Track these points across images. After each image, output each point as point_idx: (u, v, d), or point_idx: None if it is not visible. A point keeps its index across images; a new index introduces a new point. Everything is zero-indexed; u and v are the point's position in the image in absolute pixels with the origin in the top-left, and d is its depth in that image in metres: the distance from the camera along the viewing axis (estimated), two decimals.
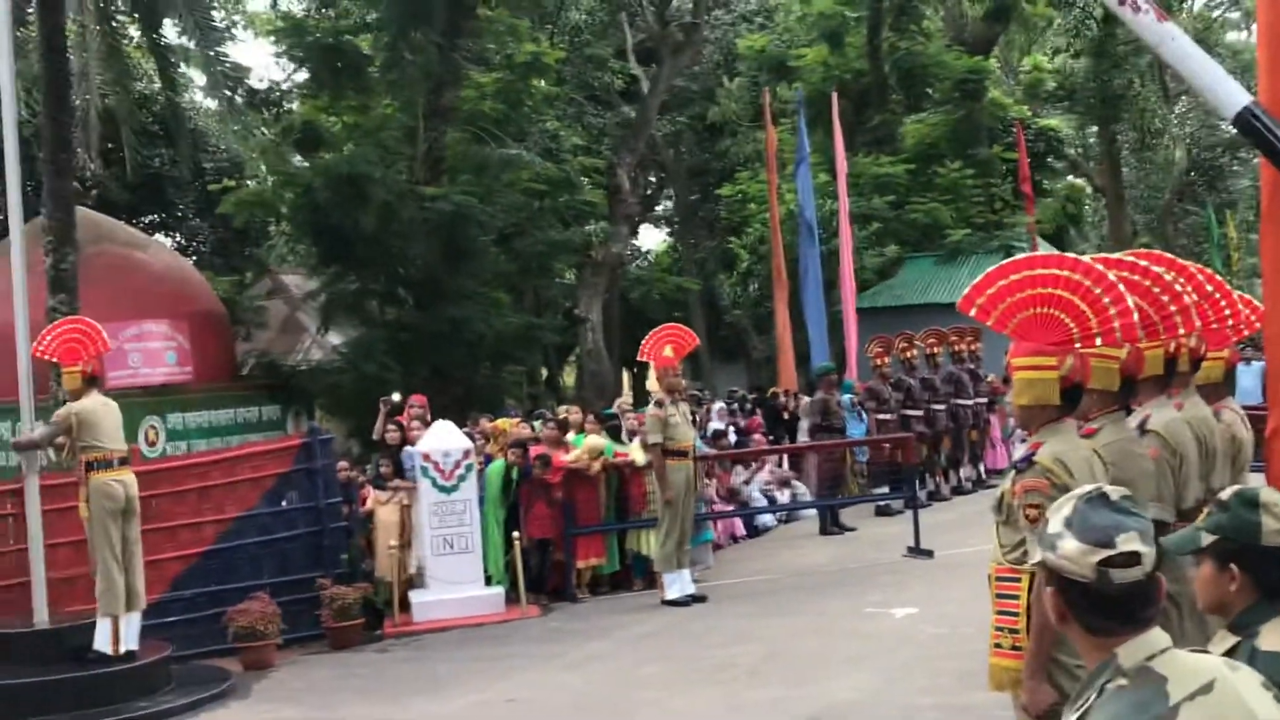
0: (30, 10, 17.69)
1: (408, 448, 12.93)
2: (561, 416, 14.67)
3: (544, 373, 34.44)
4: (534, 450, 13.02)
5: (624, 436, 13.92)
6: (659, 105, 29.89)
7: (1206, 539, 2.98)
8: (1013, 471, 4.65)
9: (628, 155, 27.85)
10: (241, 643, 10.92)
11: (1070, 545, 2.41)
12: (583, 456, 12.92)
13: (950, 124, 30.76)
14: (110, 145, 21.51)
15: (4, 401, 16.39)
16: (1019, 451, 4.71)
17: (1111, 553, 2.37)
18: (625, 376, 37.96)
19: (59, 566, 10.82)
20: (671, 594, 11.96)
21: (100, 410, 10.00)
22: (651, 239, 47.96)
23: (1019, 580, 4.64)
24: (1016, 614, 4.62)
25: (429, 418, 13.67)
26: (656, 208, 42.95)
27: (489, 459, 13.29)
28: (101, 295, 17.02)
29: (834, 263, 22.67)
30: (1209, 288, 5.57)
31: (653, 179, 40.63)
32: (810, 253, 21.82)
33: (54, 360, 10.56)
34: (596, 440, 13.23)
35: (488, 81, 22.21)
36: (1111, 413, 5.11)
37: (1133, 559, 2.37)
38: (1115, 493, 2.49)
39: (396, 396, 14.48)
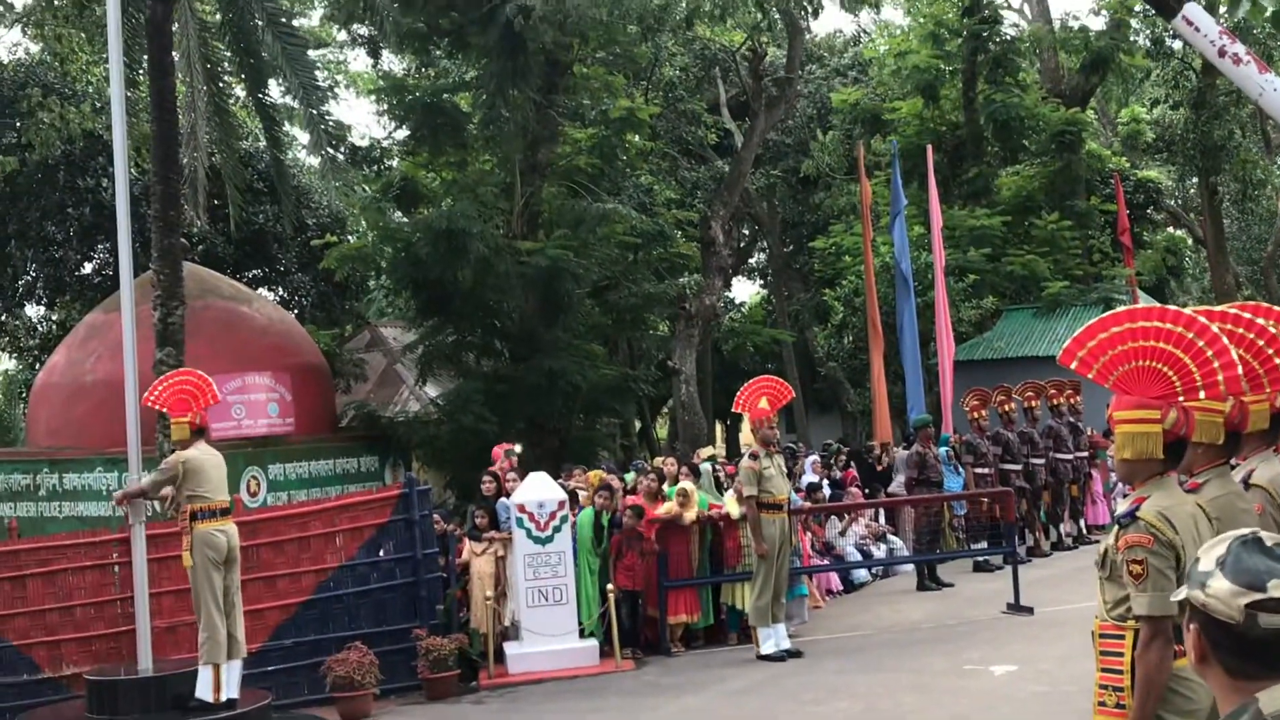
0: (141, 72, 18.25)
1: (503, 499, 13.01)
2: (659, 466, 14.66)
3: (638, 424, 34.50)
4: (629, 500, 13.06)
5: (707, 482, 13.92)
6: (753, 158, 29.99)
7: None
8: (1116, 526, 4.59)
9: (721, 208, 27.95)
10: (339, 692, 11.02)
11: (1221, 585, 2.40)
12: (673, 507, 12.91)
13: (1047, 176, 30.54)
14: (216, 202, 21.99)
15: (113, 452, 16.82)
16: (1122, 506, 4.64)
17: (1262, 596, 2.36)
18: (719, 428, 37.93)
19: (163, 615, 11.04)
20: (766, 649, 11.89)
21: (206, 461, 10.18)
22: (745, 291, 48.07)
23: (1123, 637, 4.56)
24: (1121, 671, 4.54)
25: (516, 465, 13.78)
26: (750, 260, 43.02)
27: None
28: (206, 348, 17.41)
29: (930, 315, 22.53)
30: None
31: (746, 231, 40.71)
32: (906, 305, 21.72)
33: (163, 410, 10.78)
34: (687, 484, 13.25)
35: (583, 137, 22.49)
36: (1216, 466, 5.02)
37: None
38: (1270, 539, 2.48)
39: (519, 448, 14.60)
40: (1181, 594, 2.49)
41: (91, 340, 19.80)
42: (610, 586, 12.38)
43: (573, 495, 13.39)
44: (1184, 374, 4.46)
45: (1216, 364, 4.43)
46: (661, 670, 12.14)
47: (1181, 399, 4.50)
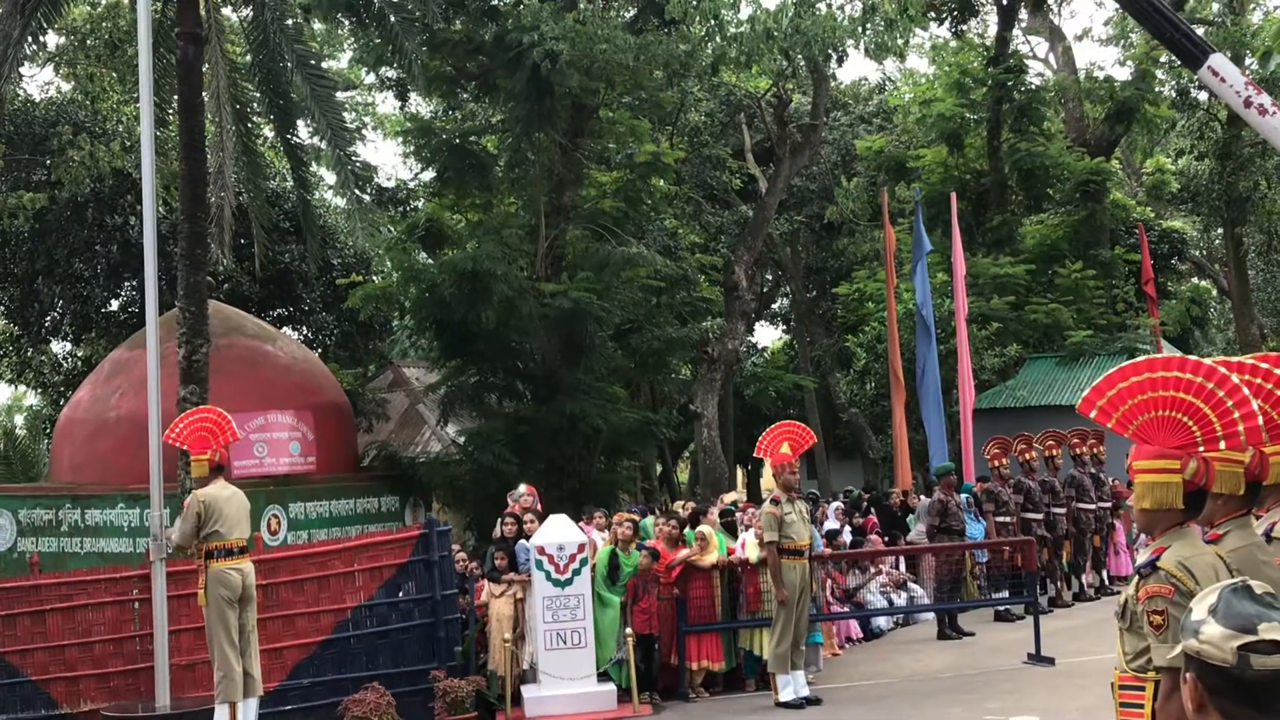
0: (171, 111, 18.46)
1: (522, 541, 12.98)
2: (676, 510, 14.62)
3: (658, 468, 34.46)
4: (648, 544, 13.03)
5: (718, 526, 13.89)
6: (777, 204, 30.07)
7: None
8: (1136, 577, 4.57)
9: (745, 253, 28.02)
10: None
11: (1213, 630, 2.47)
12: (694, 549, 12.86)
13: (1071, 225, 30.55)
14: (242, 241, 22.15)
15: (135, 488, 16.89)
16: (1142, 556, 4.62)
17: (1253, 639, 2.43)
18: (740, 473, 37.82)
19: (181, 653, 11.05)
20: (785, 696, 11.80)
21: (224, 499, 10.22)
22: (768, 336, 48.09)
23: (1144, 688, 4.53)
24: None
25: (540, 509, 13.76)
26: (773, 305, 43.08)
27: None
28: (230, 386, 17.50)
29: (952, 362, 22.49)
30: None
31: (769, 276, 40.79)
32: (928, 352, 21.68)
33: (183, 448, 10.83)
34: (705, 527, 13.20)
35: (608, 180, 22.62)
36: (1237, 517, 5.00)
37: (1274, 647, 2.42)
38: (1259, 587, 2.56)
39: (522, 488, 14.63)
40: (1178, 650, 2.53)
41: (116, 377, 19.92)
42: (628, 630, 12.33)
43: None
44: (1204, 424, 4.45)
45: (1237, 414, 4.41)
46: (679, 715, 12.07)
47: (1201, 449, 4.49)
